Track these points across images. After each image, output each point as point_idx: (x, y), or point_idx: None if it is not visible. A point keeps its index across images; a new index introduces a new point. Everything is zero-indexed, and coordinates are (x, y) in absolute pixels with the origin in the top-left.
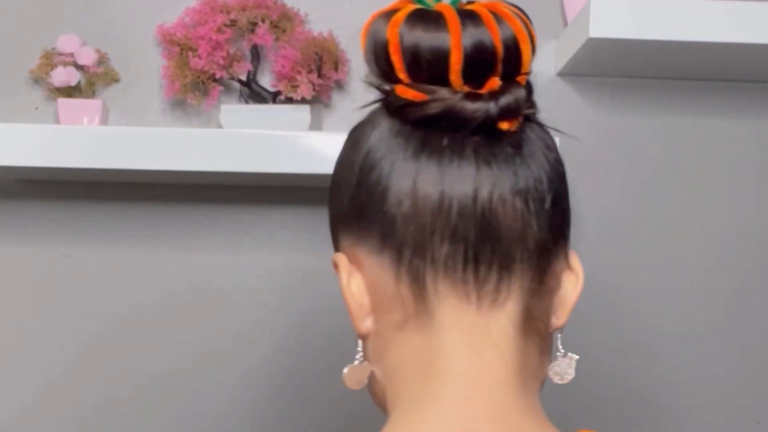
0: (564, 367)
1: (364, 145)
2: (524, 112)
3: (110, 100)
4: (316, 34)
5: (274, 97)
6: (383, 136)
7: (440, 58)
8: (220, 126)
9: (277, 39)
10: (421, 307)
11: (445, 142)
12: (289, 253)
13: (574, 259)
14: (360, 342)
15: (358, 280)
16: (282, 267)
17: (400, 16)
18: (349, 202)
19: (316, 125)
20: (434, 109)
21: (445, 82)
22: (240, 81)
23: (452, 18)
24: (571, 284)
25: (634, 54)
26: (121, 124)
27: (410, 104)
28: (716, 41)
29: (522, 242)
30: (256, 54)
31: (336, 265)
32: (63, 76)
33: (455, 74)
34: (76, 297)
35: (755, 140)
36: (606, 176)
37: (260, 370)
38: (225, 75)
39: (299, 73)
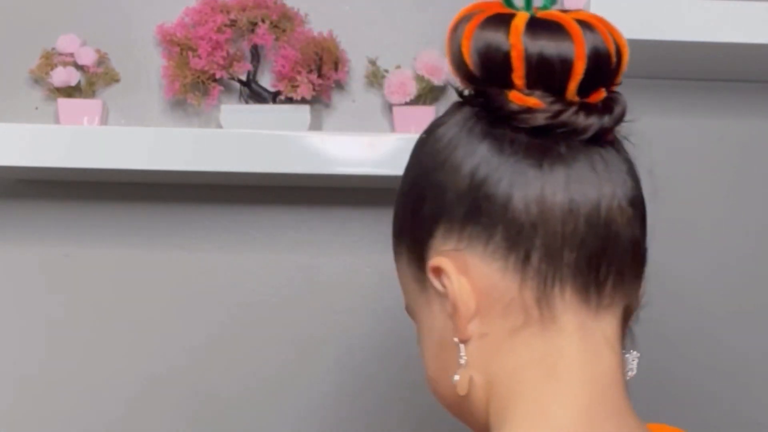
0: (628, 364)
1: (470, 149)
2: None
3: (110, 100)
4: (316, 34)
5: (274, 97)
6: (493, 142)
7: (565, 66)
8: (220, 126)
9: (277, 39)
10: (545, 313)
11: (563, 150)
12: (289, 253)
13: None
14: (462, 347)
15: (465, 284)
16: (282, 267)
17: (519, 22)
18: (457, 208)
19: (316, 125)
20: (550, 118)
21: (559, 90)
22: (240, 81)
23: (574, 27)
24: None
25: (634, 54)
26: (121, 124)
27: (525, 111)
28: (716, 41)
29: (632, 248)
30: (256, 54)
31: (440, 270)
32: (63, 76)
33: (574, 83)
34: (76, 297)
35: (755, 140)
36: None
37: (260, 370)
38: (225, 75)
39: (299, 73)
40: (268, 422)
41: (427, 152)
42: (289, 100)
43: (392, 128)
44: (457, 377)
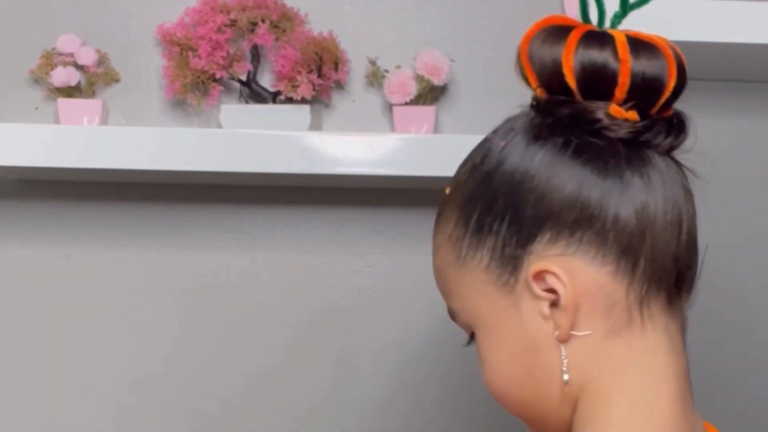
0: None
1: (573, 162)
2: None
3: (110, 100)
4: (316, 34)
5: (274, 97)
6: (592, 154)
7: (659, 84)
8: (220, 126)
9: (277, 39)
10: (645, 313)
11: (654, 160)
12: (289, 253)
13: None
14: (562, 348)
15: (571, 286)
16: (282, 267)
17: (623, 41)
18: (565, 216)
19: (316, 125)
20: (637, 131)
21: (648, 106)
22: (240, 81)
23: (665, 48)
24: None
25: None
26: (121, 124)
27: (617, 123)
28: (716, 41)
29: (695, 249)
30: (256, 54)
31: (545, 273)
32: (63, 76)
33: (663, 99)
34: (76, 297)
35: (755, 140)
36: None
37: (260, 370)
38: (225, 75)
39: (299, 73)
40: (267, 421)
41: (516, 163)
42: (289, 100)
43: (392, 128)
44: (567, 376)
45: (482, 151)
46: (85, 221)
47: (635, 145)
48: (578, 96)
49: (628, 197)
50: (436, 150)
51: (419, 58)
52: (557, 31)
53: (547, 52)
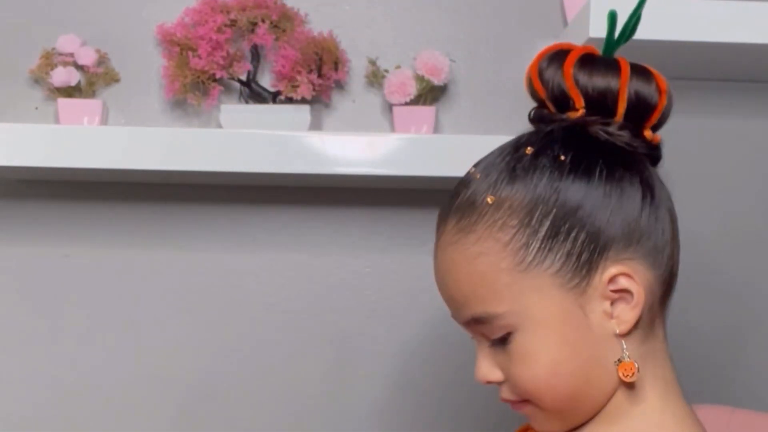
0: None
1: (634, 180)
2: None
3: (110, 100)
4: (316, 34)
5: (274, 97)
6: (641, 172)
7: (659, 110)
8: (220, 126)
9: (277, 39)
10: (663, 311)
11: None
12: (289, 253)
13: None
14: (623, 342)
15: (640, 288)
16: (282, 267)
17: (660, 75)
18: (635, 228)
19: (316, 125)
20: (657, 148)
21: (643, 128)
22: (240, 81)
23: (659, 77)
24: None
25: (633, 54)
26: (121, 124)
27: (656, 147)
28: (716, 41)
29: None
30: (256, 54)
31: (621, 275)
32: (63, 76)
33: (651, 123)
34: (76, 297)
35: (755, 140)
36: None
37: (260, 370)
38: (225, 75)
39: (299, 73)
40: (267, 420)
41: (587, 179)
42: (289, 100)
43: (392, 128)
44: (636, 364)
45: (539, 164)
46: (85, 221)
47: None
48: (621, 120)
49: (667, 211)
50: (436, 150)
51: (419, 58)
52: (603, 61)
53: (600, 81)
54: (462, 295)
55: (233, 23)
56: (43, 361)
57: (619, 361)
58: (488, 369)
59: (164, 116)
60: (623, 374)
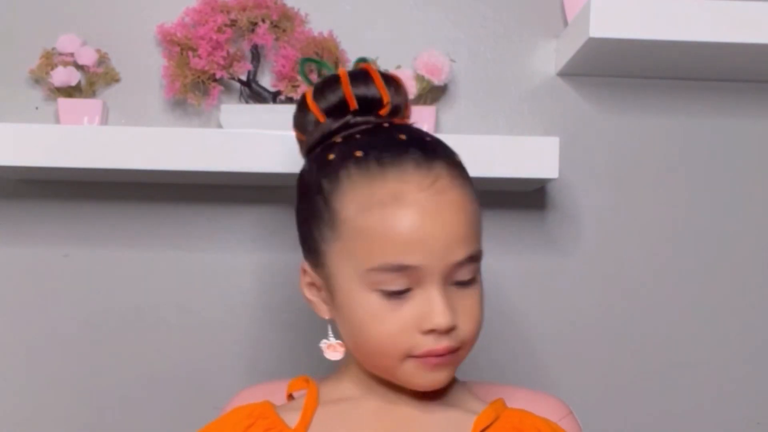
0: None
1: None
2: None
3: (110, 100)
4: (316, 34)
5: (274, 97)
6: None
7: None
8: (220, 126)
9: (277, 39)
10: None
11: None
12: (288, 253)
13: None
14: None
15: None
16: (282, 267)
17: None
18: None
19: None
20: None
21: None
22: (240, 81)
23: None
24: None
25: (634, 54)
26: (121, 124)
27: None
28: (716, 41)
29: None
30: (256, 54)
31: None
32: (63, 76)
33: None
34: (76, 297)
35: (755, 140)
36: (606, 176)
37: (260, 370)
38: (225, 75)
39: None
40: None
41: None
42: (290, 100)
43: None
44: None
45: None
46: (85, 221)
47: None
48: None
49: None
50: None
51: (419, 58)
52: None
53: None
54: (470, 231)
55: (233, 23)
56: (43, 361)
57: None
58: (453, 314)
59: (164, 116)
60: None
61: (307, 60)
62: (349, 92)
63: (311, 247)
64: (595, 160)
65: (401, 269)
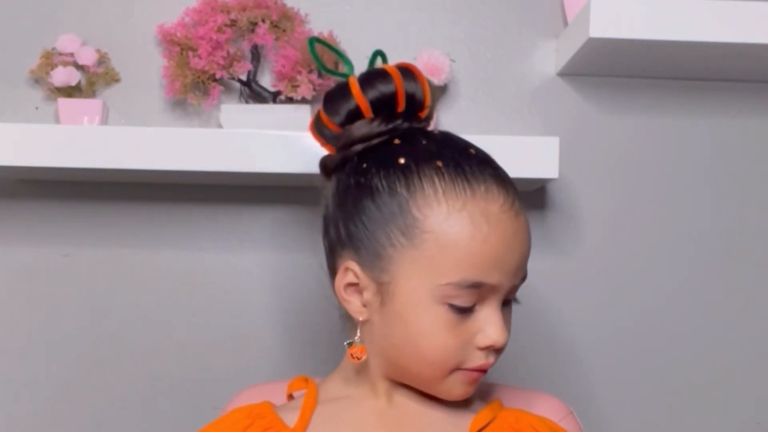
0: None
1: None
2: None
3: (110, 100)
4: (316, 34)
5: (274, 97)
6: None
7: None
8: (220, 126)
9: (277, 39)
10: None
11: None
12: (289, 253)
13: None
14: None
15: None
16: (282, 267)
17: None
18: None
19: None
20: None
21: None
22: (240, 81)
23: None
24: None
25: (634, 54)
26: (121, 124)
27: None
28: (716, 41)
29: None
30: (256, 54)
31: None
32: (63, 76)
33: None
34: (76, 297)
35: (755, 140)
36: (606, 176)
37: (260, 370)
38: (225, 75)
39: (299, 73)
40: None
41: None
42: (290, 100)
43: None
44: None
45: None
46: (85, 221)
47: None
48: None
49: None
50: None
51: (419, 58)
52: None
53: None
54: (528, 254)
55: (233, 23)
56: (43, 361)
57: None
58: (507, 332)
59: (164, 116)
60: None
61: (316, 40)
62: (402, 91)
63: (372, 249)
64: (595, 160)
65: (478, 286)
